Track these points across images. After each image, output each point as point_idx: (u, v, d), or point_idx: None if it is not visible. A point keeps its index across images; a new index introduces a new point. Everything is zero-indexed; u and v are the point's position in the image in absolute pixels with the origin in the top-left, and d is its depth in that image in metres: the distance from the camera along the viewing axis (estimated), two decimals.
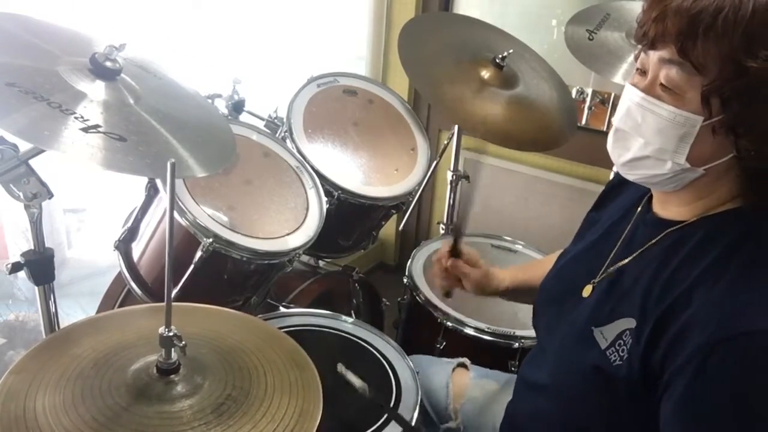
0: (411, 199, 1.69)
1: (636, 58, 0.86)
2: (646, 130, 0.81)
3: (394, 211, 1.70)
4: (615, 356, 0.84)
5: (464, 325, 1.49)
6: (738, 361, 0.72)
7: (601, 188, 1.12)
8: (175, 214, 1.20)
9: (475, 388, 1.27)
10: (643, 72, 0.83)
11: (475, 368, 1.33)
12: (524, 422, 1.07)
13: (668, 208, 0.89)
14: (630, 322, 0.84)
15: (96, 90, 0.97)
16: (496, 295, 1.29)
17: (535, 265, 1.31)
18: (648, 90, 0.81)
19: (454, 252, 1.27)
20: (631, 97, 0.83)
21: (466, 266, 1.26)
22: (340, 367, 1.07)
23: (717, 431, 0.74)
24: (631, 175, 0.87)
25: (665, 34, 0.76)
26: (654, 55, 0.80)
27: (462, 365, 1.33)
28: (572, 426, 0.94)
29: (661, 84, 0.79)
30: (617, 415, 0.87)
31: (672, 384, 0.77)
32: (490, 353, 1.49)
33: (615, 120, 0.86)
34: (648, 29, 0.79)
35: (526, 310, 1.18)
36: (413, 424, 1.12)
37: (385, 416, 1.12)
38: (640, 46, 0.83)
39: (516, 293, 1.29)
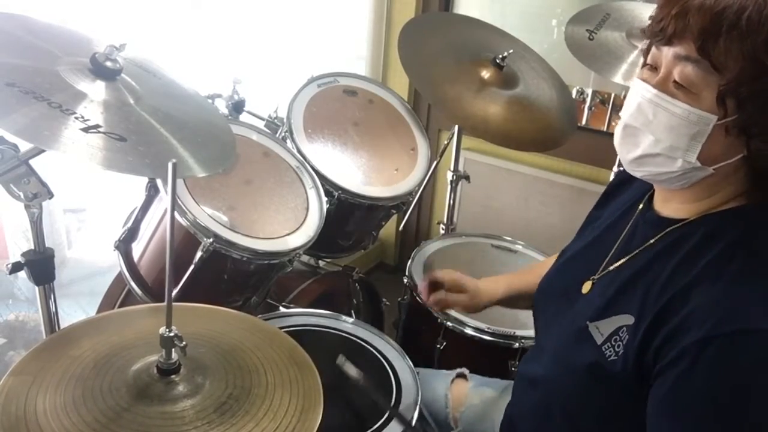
0: (411, 199, 1.69)
1: (645, 53, 0.84)
2: (658, 127, 0.80)
3: (394, 211, 1.70)
4: (610, 351, 0.84)
5: (464, 325, 1.49)
6: (733, 358, 0.72)
7: (601, 188, 1.12)
8: (176, 214, 1.20)
9: (474, 396, 1.28)
10: (653, 68, 0.82)
11: (474, 377, 1.33)
12: (523, 419, 1.07)
13: (670, 206, 0.89)
14: (628, 319, 0.84)
15: (96, 90, 0.97)
16: (491, 306, 1.31)
17: (532, 270, 1.32)
18: (660, 86, 0.79)
19: (434, 285, 1.32)
20: (642, 93, 0.81)
21: (450, 297, 1.31)
22: (340, 359, 1.07)
23: (702, 426, 0.74)
24: (638, 172, 0.86)
25: (686, 31, 0.75)
26: (669, 51, 0.78)
27: (461, 376, 1.33)
28: (570, 421, 0.94)
29: (675, 81, 0.78)
30: (613, 410, 0.88)
31: (663, 374, 0.77)
32: (490, 353, 1.49)
33: (624, 115, 0.85)
34: (666, 25, 0.77)
35: (526, 311, 1.19)
36: (413, 424, 1.12)
37: (386, 415, 1.12)
38: (647, 41, 0.82)
39: (512, 300, 1.30)
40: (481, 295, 1.29)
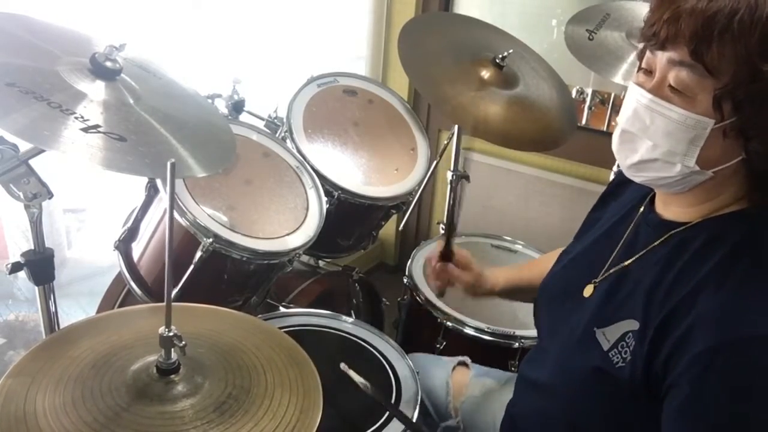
0: (411, 199, 1.69)
1: (639, 56, 0.84)
2: (655, 133, 0.80)
3: (394, 211, 1.70)
4: (618, 358, 0.84)
5: (464, 325, 1.49)
6: (742, 365, 0.72)
7: (601, 188, 1.12)
8: (175, 214, 1.20)
9: (475, 387, 1.27)
10: (648, 71, 0.81)
11: (476, 367, 1.33)
12: (526, 421, 1.07)
13: (671, 209, 0.88)
14: (633, 324, 0.84)
15: (96, 90, 0.97)
16: (490, 296, 1.30)
17: (531, 264, 1.32)
18: (656, 91, 0.79)
19: (445, 254, 1.30)
20: (638, 98, 0.81)
21: (455, 270, 1.29)
22: (343, 366, 1.08)
23: None
24: (638, 177, 0.86)
25: (678, 36, 0.75)
26: (663, 56, 0.78)
27: (462, 364, 1.33)
28: (573, 426, 0.94)
29: (670, 85, 0.78)
30: (618, 415, 0.87)
31: (675, 386, 0.76)
32: (490, 353, 1.49)
33: (621, 121, 0.84)
34: (659, 30, 0.77)
35: (526, 310, 1.19)
36: (414, 419, 1.12)
37: (387, 414, 1.12)
38: (642, 45, 0.82)
39: (511, 293, 1.30)
40: (484, 281, 1.28)
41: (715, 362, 0.73)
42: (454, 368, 1.31)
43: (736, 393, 0.72)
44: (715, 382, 0.73)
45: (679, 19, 0.74)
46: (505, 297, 1.32)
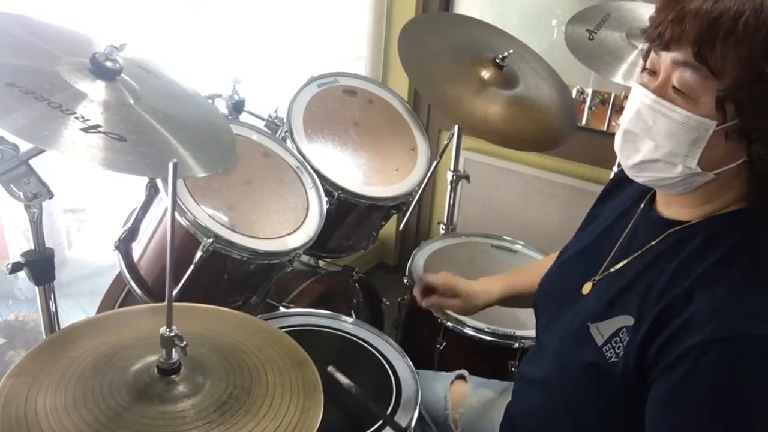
0: (411, 199, 1.69)
1: (644, 57, 0.84)
2: (657, 133, 0.80)
3: (394, 211, 1.70)
4: (611, 353, 0.84)
5: (464, 325, 1.49)
6: (735, 362, 0.72)
7: (601, 188, 1.12)
8: (175, 214, 1.20)
9: (473, 398, 1.27)
10: (652, 72, 0.81)
11: (473, 378, 1.33)
12: (524, 419, 1.07)
13: (672, 208, 0.89)
14: (627, 320, 0.84)
15: (96, 90, 0.97)
16: (489, 307, 1.30)
17: (527, 270, 1.32)
18: (659, 92, 0.79)
19: (426, 290, 1.32)
20: (641, 99, 0.81)
21: (443, 300, 1.30)
22: (330, 369, 1.08)
23: (700, 427, 0.75)
24: (639, 178, 0.86)
25: (682, 37, 0.75)
26: (667, 57, 0.78)
27: (460, 377, 1.33)
28: (573, 421, 0.94)
29: (674, 86, 0.78)
30: (614, 410, 0.88)
31: (664, 374, 0.77)
32: (490, 353, 1.49)
33: (623, 121, 0.85)
34: (663, 30, 0.77)
35: (526, 311, 1.19)
36: (412, 424, 1.12)
37: (381, 421, 1.12)
38: (647, 45, 0.82)
39: (510, 301, 1.30)
40: (477, 297, 1.29)
41: (707, 356, 0.73)
42: (452, 382, 1.32)
43: (723, 388, 0.73)
44: (703, 375, 0.73)
45: (684, 20, 0.75)
46: (504, 305, 1.32)
